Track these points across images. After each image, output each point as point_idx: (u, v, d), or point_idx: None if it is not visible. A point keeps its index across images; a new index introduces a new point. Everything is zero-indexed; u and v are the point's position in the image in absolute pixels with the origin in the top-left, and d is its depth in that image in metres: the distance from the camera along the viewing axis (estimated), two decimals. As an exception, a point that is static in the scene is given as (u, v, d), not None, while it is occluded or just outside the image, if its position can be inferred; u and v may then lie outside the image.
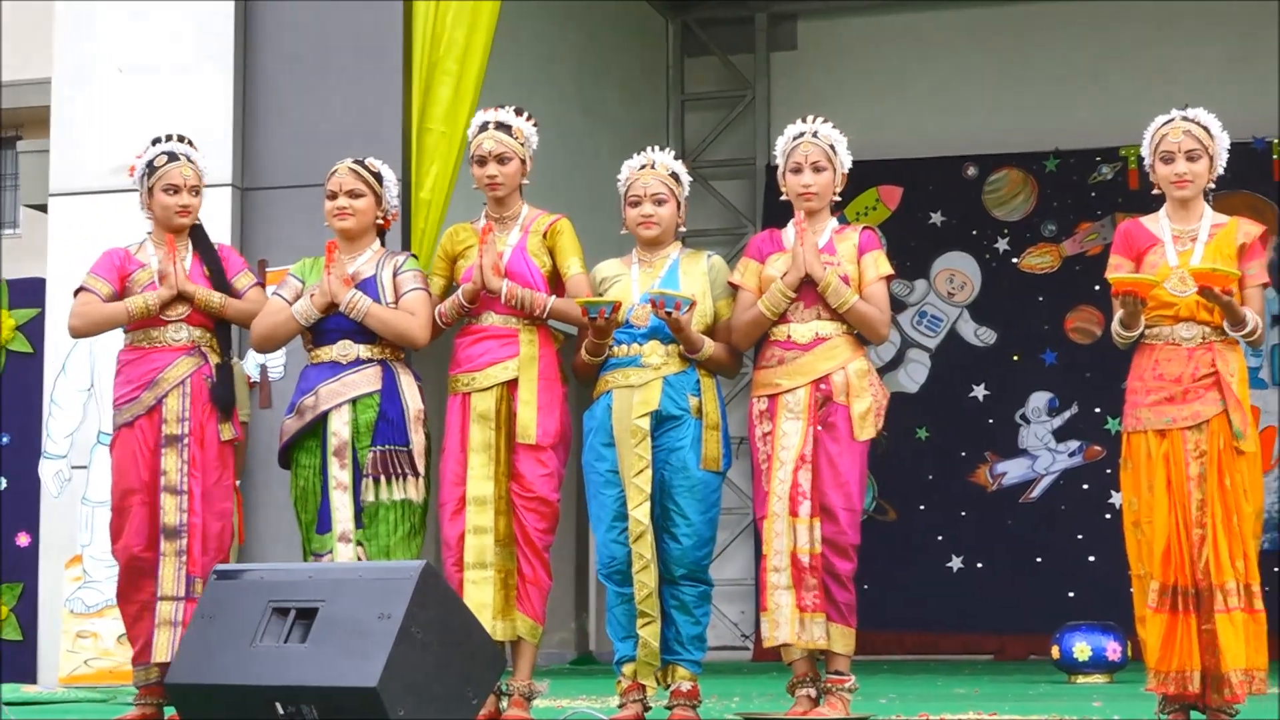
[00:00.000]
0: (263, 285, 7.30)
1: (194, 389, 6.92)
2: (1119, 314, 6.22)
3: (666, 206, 6.84)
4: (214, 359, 6.99)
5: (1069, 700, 8.17)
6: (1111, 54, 13.76)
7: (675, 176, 6.91)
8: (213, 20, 9.72)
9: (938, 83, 14.04)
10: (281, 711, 5.28)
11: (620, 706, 6.76)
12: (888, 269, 6.71)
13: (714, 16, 14.70)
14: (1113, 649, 10.09)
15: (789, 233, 6.73)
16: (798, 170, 6.70)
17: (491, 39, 9.29)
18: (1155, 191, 6.42)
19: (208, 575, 6.60)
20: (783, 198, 6.79)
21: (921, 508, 13.53)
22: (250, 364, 9.34)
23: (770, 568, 6.50)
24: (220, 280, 7.03)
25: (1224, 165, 6.37)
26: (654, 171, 6.86)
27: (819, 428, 6.56)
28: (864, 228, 6.83)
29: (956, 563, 13.40)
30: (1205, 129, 6.32)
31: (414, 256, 7.07)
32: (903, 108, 13.98)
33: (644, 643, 6.64)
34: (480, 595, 6.63)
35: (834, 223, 6.79)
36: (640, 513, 6.60)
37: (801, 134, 6.74)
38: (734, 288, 6.80)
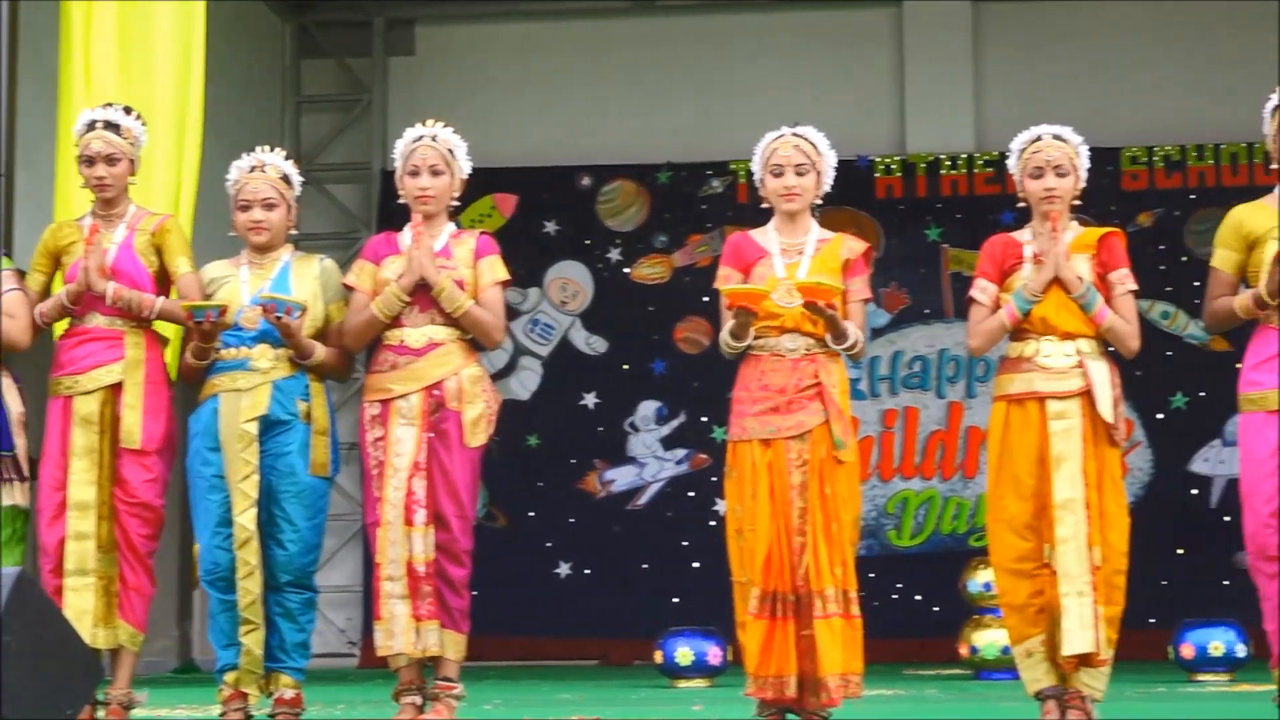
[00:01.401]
0: None
1: None
2: (729, 325, 6.32)
3: (277, 210, 6.76)
4: None
5: (671, 705, 8.29)
6: (723, 69, 14.01)
7: (286, 179, 6.82)
8: None
9: (554, 93, 14.13)
10: None
11: (221, 715, 6.64)
12: (504, 274, 6.72)
13: (331, 19, 14.56)
14: (714, 654, 10.27)
15: (405, 236, 6.69)
16: (416, 173, 6.67)
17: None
18: (764, 205, 6.55)
19: None
20: (400, 200, 6.75)
21: (531, 514, 13.58)
22: None
23: (384, 576, 6.46)
24: None
25: (830, 182, 6.53)
26: (264, 175, 6.77)
27: (431, 434, 6.53)
28: (481, 233, 6.82)
29: (565, 569, 13.49)
30: (814, 145, 6.47)
31: (7, 256, 6.83)
32: (520, 116, 14.03)
33: (247, 650, 6.54)
34: (80, 602, 6.47)
35: (451, 227, 6.77)
36: (246, 519, 6.51)
37: (420, 137, 6.71)
38: (348, 289, 6.74)
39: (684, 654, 10.27)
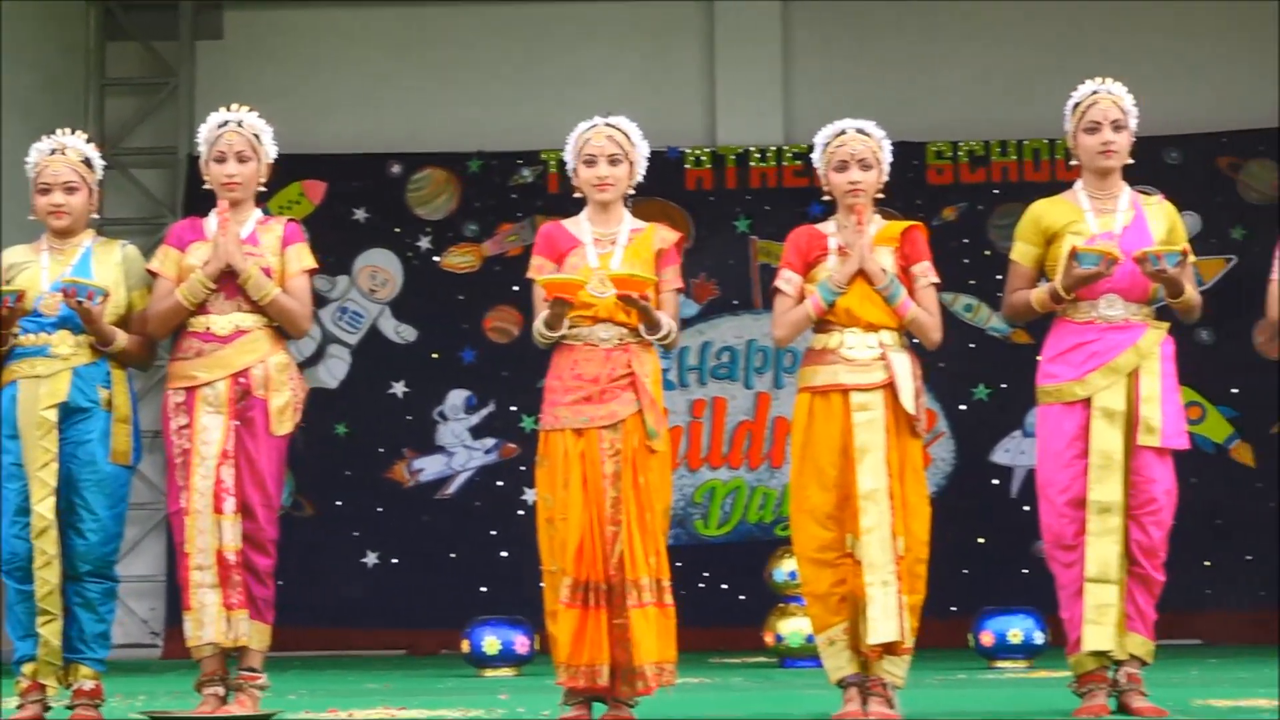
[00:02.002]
0: None
1: None
2: (543, 315, 6.33)
3: (78, 194, 6.66)
4: None
5: (477, 694, 8.27)
6: (534, 59, 13.99)
7: (88, 163, 6.73)
8: None
9: (364, 80, 14.00)
10: None
11: (19, 707, 6.54)
12: (311, 262, 6.68)
13: (137, 1, 14.32)
14: (521, 643, 10.27)
15: (211, 221, 6.62)
16: (222, 159, 6.60)
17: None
18: (576, 195, 6.57)
19: None
20: (206, 186, 6.68)
21: (338, 503, 13.47)
22: None
23: (194, 566, 6.40)
24: None
25: (643, 172, 6.56)
26: (65, 158, 6.67)
27: (238, 422, 6.48)
28: (289, 220, 6.78)
29: (372, 558, 13.40)
30: (626, 135, 6.50)
31: None
32: (329, 103, 13.89)
33: (44, 641, 6.46)
34: None
35: (258, 213, 6.72)
36: (44, 507, 6.43)
37: (226, 123, 6.65)
38: (152, 275, 6.66)
39: (491, 643, 10.26)
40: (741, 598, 12.72)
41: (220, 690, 6.51)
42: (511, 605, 10.73)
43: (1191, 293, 6.52)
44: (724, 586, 13.06)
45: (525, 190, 13.71)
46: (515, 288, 12.81)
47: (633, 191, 6.56)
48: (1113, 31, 13.38)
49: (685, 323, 12.98)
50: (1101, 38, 13.31)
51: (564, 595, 6.23)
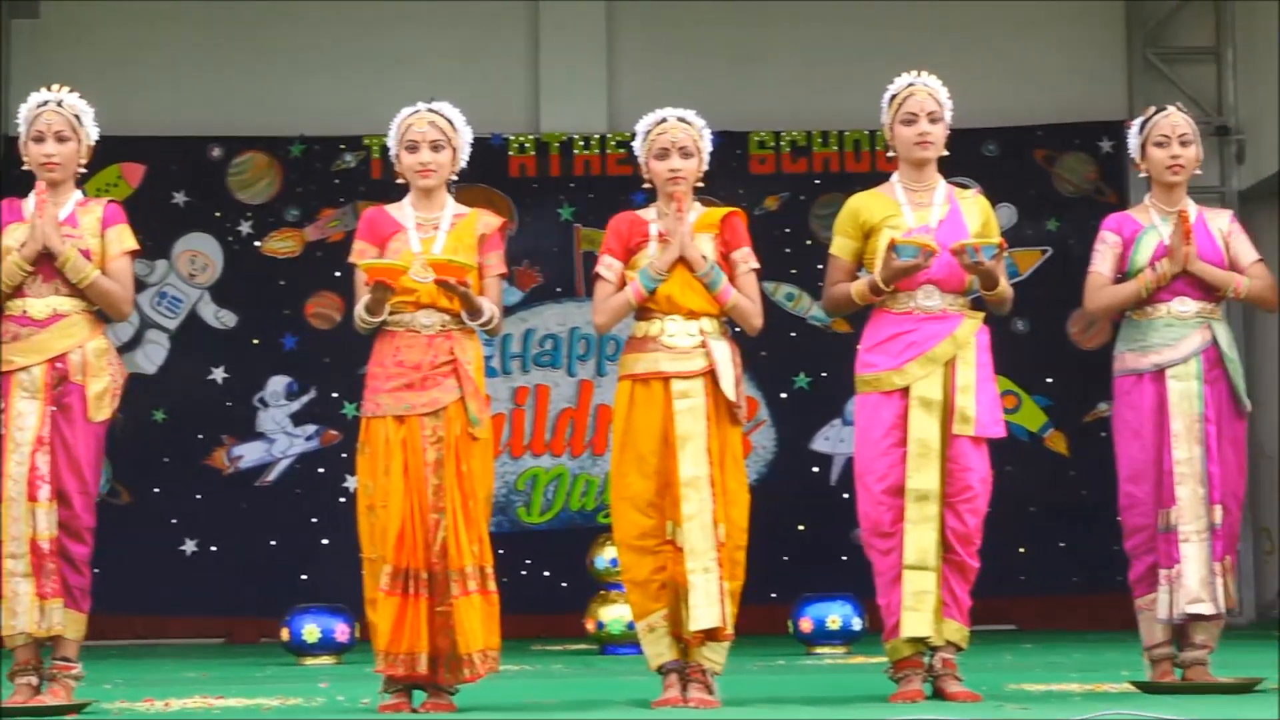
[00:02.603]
0: None
1: None
2: (365, 300, 6.31)
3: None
4: None
5: (297, 682, 8.23)
6: (358, 43, 13.88)
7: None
8: None
9: (185, 61, 13.83)
10: None
11: None
12: (132, 244, 6.61)
13: (-50, -22, 14.06)
14: (341, 631, 10.23)
15: (29, 203, 6.52)
16: (41, 140, 6.51)
17: None
18: (399, 180, 6.55)
19: None
20: (25, 167, 6.58)
21: (156, 490, 13.31)
22: None
23: (7, 554, 6.30)
24: None
25: (466, 158, 6.56)
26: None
27: (54, 408, 6.39)
28: (109, 201, 6.69)
29: (190, 546, 13.26)
30: (450, 121, 6.50)
31: None
32: (149, 84, 13.71)
33: None
34: None
35: (78, 195, 6.64)
36: None
37: (45, 102, 6.57)
38: (-34, 259, 6.54)
39: (311, 631, 10.21)
40: (563, 585, 12.76)
41: (34, 680, 6.42)
42: (332, 593, 10.67)
43: (1005, 285, 6.63)
44: (546, 574, 13.09)
45: (348, 175, 13.64)
46: (337, 273, 12.73)
47: (456, 178, 6.56)
48: (932, 25, 13.57)
49: (508, 310, 12.97)
50: (921, 31, 13.49)
51: (384, 583, 6.22)
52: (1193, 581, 6.60)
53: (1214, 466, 6.67)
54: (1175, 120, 6.90)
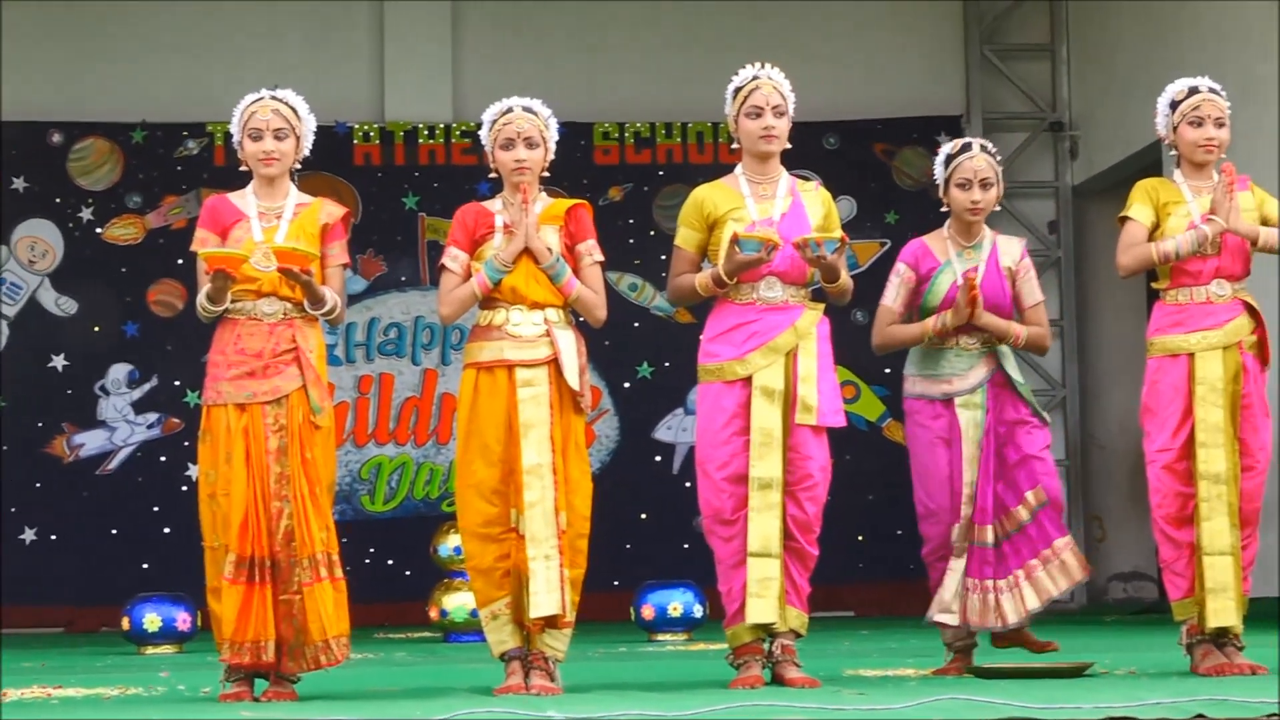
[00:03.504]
0: None
1: None
2: (206, 288, 6.29)
3: None
4: None
5: (137, 671, 8.18)
6: (201, 28, 13.75)
7: None
8: None
9: (24, 45, 13.62)
10: None
11: None
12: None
13: None
14: (183, 619, 10.18)
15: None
16: None
17: None
18: (242, 168, 6.54)
19: None
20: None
21: (-7, 480, 13.18)
22: None
23: None
24: None
25: (309, 147, 6.56)
26: None
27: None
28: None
29: (30, 535, 13.12)
30: (293, 109, 6.49)
31: None
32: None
33: None
34: None
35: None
36: None
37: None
38: None
39: (152, 620, 10.15)
40: (407, 573, 12.77)
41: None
42: (173, 582, 10.61)
43: (846, 278, 6.75)
44: (390, 562, 13.10)
45: (190, 162, 13.54)
46: (179, 261, 12.65)
47: (299, 166, 6.56)
48: (776, 18, 13.72)
49: (352, 299, 12.98)
50: (765, 24, 13.63)
51: (228, 571, 6.22)
52: (947, 593, 7.07)
53: (989, 487, 7.06)
54: (978, 164, 7.14)
